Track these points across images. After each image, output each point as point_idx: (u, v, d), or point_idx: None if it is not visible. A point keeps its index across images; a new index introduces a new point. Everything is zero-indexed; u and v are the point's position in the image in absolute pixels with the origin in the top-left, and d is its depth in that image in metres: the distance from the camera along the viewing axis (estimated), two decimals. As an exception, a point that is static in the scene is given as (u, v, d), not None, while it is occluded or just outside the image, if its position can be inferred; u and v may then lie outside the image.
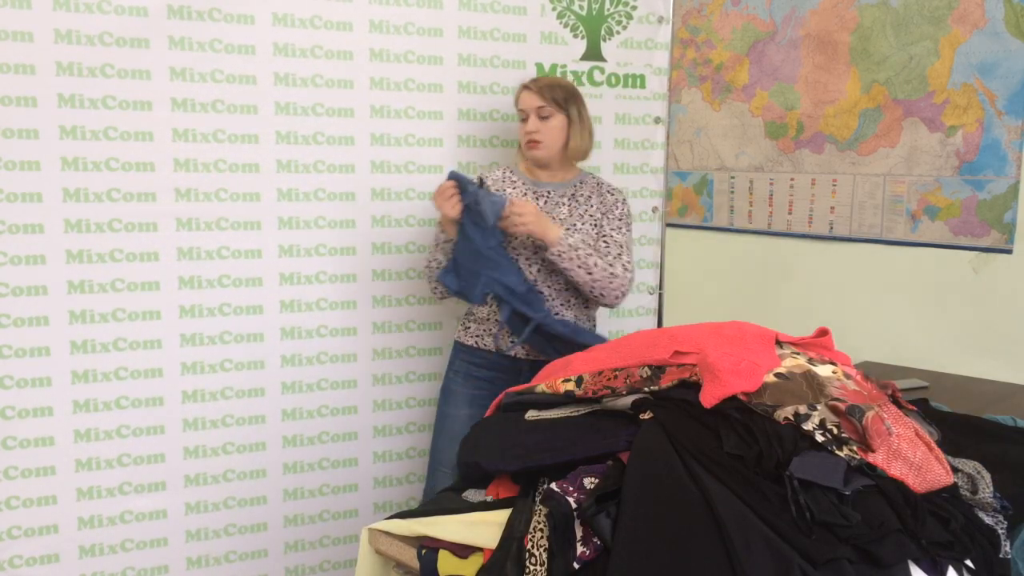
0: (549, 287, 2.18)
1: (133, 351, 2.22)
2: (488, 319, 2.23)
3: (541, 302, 2.14)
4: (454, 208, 2.07)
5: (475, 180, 2.10)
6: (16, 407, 2.13)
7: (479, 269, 2.08)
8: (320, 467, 2.46)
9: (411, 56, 2.38)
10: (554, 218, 2.18)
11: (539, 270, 2.18)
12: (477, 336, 2.25)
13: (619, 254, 2.16)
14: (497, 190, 2.21)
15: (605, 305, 2.20)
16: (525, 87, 2.21)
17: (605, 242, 2.18)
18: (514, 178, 2.26)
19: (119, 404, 2.22)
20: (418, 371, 2.56)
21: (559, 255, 2.09)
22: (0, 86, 2.03)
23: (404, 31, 2.36)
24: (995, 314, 2.94)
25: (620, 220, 2.22)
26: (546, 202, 2.21)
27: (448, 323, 2.55)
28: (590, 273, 2.09)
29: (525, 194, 2.22)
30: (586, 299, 2.21)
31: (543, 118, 2.17)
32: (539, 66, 2.51)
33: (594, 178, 2.29)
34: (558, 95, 2.17)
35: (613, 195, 2.24)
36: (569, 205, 2.21)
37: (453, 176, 2.10)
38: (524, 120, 2.20)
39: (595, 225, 2.20)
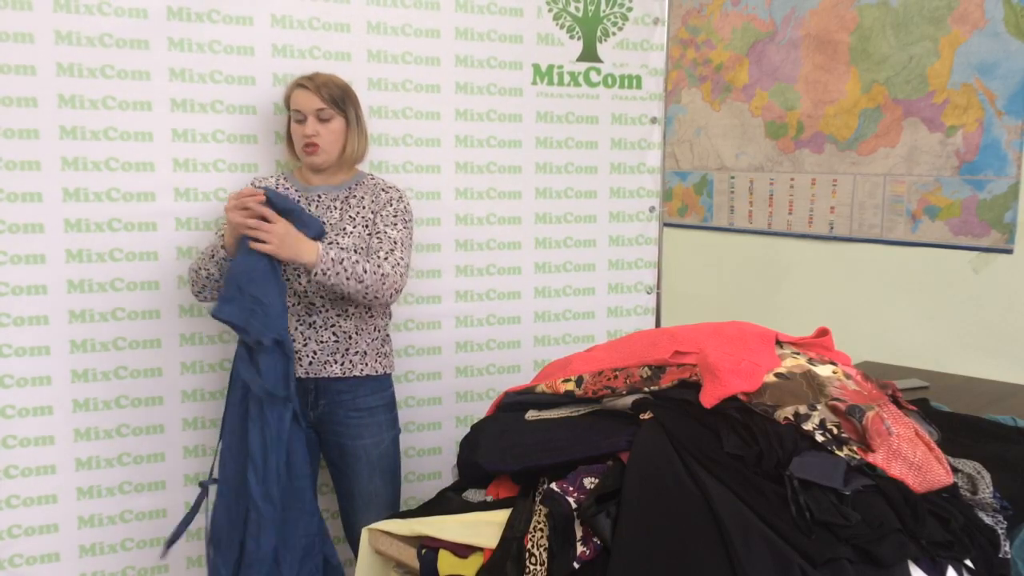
0: (323, 298, 2.07)
1: (133, 351, 2.22)
2: None
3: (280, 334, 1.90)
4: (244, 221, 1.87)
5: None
6: (16, 406, 2.13)
7: (245, 286, 1.87)
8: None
9: (408, 57, 2.38)
10: (325, 222, 2.06)
11: (308, 281, 2.05)
12: None
13: (391, 250, 2.04)
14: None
15: (380, 305, 2.08)
16: (300, 85, 2.05)
17: (378, 238, 2.05)
18: (287, 185, 2.15)
19: (119, 403, 2.22)
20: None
21: (324, 273, 1.92)
22: (1, 86, 2.03)
23: (401, 32, 2.36)
24: (995, 314, 2.94)
25: (395, 216, 2.09)
26: (317, 207, 2.10)
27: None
28: (361, 281, 1.96)
29: (297, 202, 2.08)
30: (365, 304, 2.08)
31: (323, 120, 2.03)
32: (536, 67, 2.51)
33: (372, 178, 2.16)
34: (337, 95, 2.04)
35: (387, 193, 2.12)
36: (341, 209, 2.10)
37: (267, 192, 1.90)
38: (300, 122, 2.05)
39: (367, 225, 2.08)
